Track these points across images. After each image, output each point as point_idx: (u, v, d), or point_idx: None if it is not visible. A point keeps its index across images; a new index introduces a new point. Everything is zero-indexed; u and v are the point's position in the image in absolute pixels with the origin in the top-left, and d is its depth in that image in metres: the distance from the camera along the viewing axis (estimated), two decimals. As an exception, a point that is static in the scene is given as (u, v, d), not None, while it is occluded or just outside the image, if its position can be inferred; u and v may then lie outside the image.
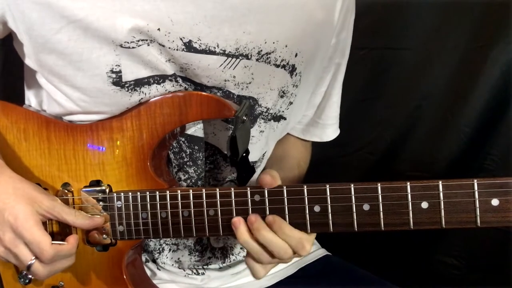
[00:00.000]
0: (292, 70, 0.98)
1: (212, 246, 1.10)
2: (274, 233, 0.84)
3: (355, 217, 0.83)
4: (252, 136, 1.01)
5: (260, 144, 1.04)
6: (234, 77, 0.94)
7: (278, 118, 1.04)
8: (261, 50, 0.93)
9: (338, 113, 1.21)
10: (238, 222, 0.86)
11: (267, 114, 1.01)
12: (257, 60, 0.93)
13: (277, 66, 0.96)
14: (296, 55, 0.97)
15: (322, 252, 1.20)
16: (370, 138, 1.66)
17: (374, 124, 1.65)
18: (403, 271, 1.59)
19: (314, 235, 0.87)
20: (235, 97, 0.96)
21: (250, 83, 0.96)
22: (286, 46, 0.95)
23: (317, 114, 1.17)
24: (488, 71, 1.52)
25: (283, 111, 1.04)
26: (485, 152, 1.57)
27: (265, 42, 0.93)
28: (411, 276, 1.65)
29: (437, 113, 1.60)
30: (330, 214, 0.84)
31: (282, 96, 1.01)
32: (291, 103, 1.04)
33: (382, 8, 1.53)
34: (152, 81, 0.92)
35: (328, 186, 0.84)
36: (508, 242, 1.53)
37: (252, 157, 1.04)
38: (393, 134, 1.65)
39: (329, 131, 1.21)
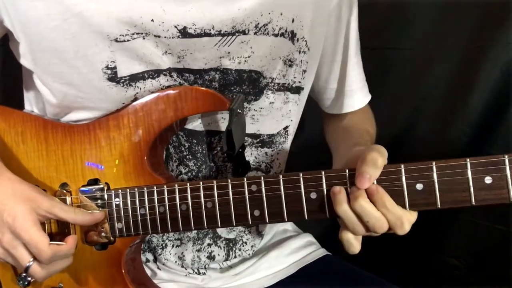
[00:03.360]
0: (292, 36, 0.98)
1: (217, 233, 1.09)
2: (373, 204, 0.80)
3: None
4: (261, 108, 1.01)
5: (272, 116, 1.04)
6: (228, 53, 0.94)
7: (296, 90, 1.04)
8: (258, 23, 0.93)
9: (363, 75, 1.19)
10: (338, 189, 0.82)
11: (273, 84, 1.01)
12: (255, 33, 0.94)
13: (276, 35, 0.96)
14: (293, 20, 0.97)
15: (322, 252, 1.20)
16: (370, 138, 1.66)
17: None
18: (403, 271, 1.59)
19: (415, 214, 0.83)
20: (233, 72, 0.96)
21: (249, 56, 0.96)
22: (281, 14, 0.95)
23: (341, 83, 1.15)
24: (488, 71, 1.51)
25: (299, 82, 1.04)
26: (485, 152, 1.57)
27: (261, 15, 0.93)
28: (411, 276, 1.65)
29: (437, 113, 1.59)
30: (326, 201, 0.85)
31: (290, 66, 1.01)
32: (304, 71, 1.03)
33: (382, 8, 1.54)
34: (146, 76, 0.93)
35: (323, 172, 0.85)
36: (508, 242, 1.53)
37: (267, 130, 1.04)
38: (393, 134, 1.65)
39: (358, 97, 1.19)
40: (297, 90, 1.04)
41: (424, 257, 1.70)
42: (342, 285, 1.11)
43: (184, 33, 0.90)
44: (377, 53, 1.57)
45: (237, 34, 0.92)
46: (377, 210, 0.80)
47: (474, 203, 0.80)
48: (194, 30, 0.90)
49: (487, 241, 1.59)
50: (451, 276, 1.68)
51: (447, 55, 1.54)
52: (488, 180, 0.79)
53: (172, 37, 0.90)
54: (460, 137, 1.58)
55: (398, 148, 1.65)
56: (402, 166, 0.82)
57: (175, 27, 0.89)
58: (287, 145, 1.10)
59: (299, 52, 1.01)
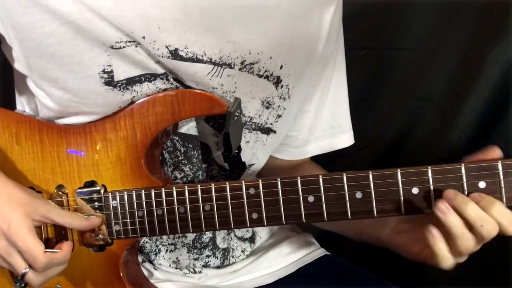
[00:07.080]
0: (277, 81, 0.98)
1: (216, 245, 1.10)
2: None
3: (348, 206, 0.85)
4: None
5: (245, 154, 1.03)
6: (222, 85, 0.94)
7: (266, 130, 1.04)
8: (245, 60, 0.93)
9: (326, 126, 1.16)
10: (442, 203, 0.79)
11: (250, 123, 1.01)
12: (239, 69, 0.93)
13: (260, 76, 0.96)
14: (281, 67, 0.96)
15: (321, 252, 1.19)
16: (370, 138, 1.65)
17: (374, 124, 1.64)
18: (403, 271, 1.59)
19: None
20: None
21: (234, 92, 0.96)
22: (270, 57, 0.94)
23: (310, 131, 1.14)
24: (488, 71, 1.51)
25: (271, 124, 1.03)
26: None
27: (250, 53, 0.92)
28: (411, 276, 1.64)
29: (437, 113, 1.59)
30: (324, 204, 0.85)
31: (267, 107, 1.00)
32: (279, 116, 1.03)
33: (382, 8, 1.53)
34: (143, 79, 0.93)
35: (321, 176, 0.85)
36: (508, 242, 1.53)
37: None
38: (393, 134, 1.64)
39: (324, 143, 1.17)
40: (267, 131, 1.04)
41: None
42: (341, 285, 1.11)
43: (175, 54, 0.89)
44: (377, 53, 1.57)
45: (224, 66, 0.92)
46: (489, 215, 0.78)
47: None
48: (186, 54, 0.89)
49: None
50: (451, 276, 1.67)
51: (447, 55, 1.54)
52: (482, 184, 0.80)
53: (162, 56, 0.89)
54: (460, 137, 1.58)
55: (398, 148, 1.65)
56: (399, 170, 0.83)
57: (166, 47, 0.89)
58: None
59: (279, 98, 1.00)
